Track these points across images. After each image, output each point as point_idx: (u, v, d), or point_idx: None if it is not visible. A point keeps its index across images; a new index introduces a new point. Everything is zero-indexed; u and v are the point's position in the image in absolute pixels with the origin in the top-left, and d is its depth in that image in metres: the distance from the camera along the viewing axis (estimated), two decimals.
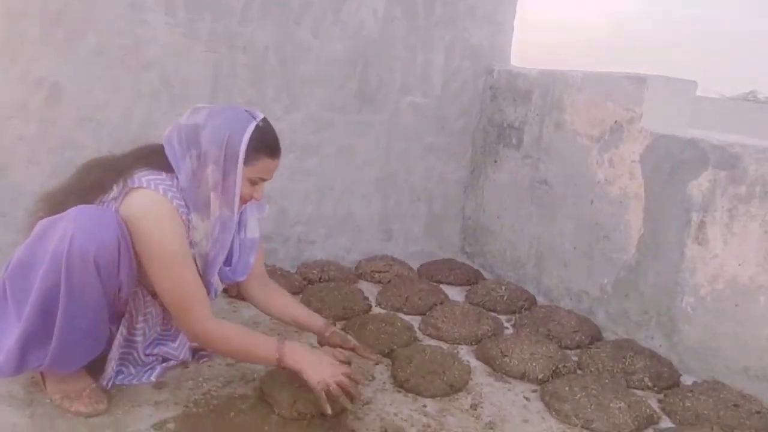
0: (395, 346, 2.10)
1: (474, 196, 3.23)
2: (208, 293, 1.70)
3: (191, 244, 1.61)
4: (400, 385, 1.89)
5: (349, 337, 1.89)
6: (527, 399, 1.91)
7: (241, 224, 1.76)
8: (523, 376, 2.01)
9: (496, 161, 3.08)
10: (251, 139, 1.56)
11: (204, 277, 1.68)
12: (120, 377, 1.67)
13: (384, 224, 3.09)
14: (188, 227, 1.59)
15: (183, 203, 1.56)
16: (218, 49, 2.51)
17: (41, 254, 1.38)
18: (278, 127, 2.64)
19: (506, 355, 2.08)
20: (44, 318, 1.39)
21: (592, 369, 2.06)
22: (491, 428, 1.73)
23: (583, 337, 2.32)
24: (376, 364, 1.92)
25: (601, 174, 2.49)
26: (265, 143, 1.60)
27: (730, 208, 2.02)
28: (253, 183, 1.62)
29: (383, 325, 2.21)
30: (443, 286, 2.79)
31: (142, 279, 1.59)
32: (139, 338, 1.68)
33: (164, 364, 1.76)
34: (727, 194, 2.03)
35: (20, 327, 1.40)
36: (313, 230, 2.91)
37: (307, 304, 2.38)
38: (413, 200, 3.14)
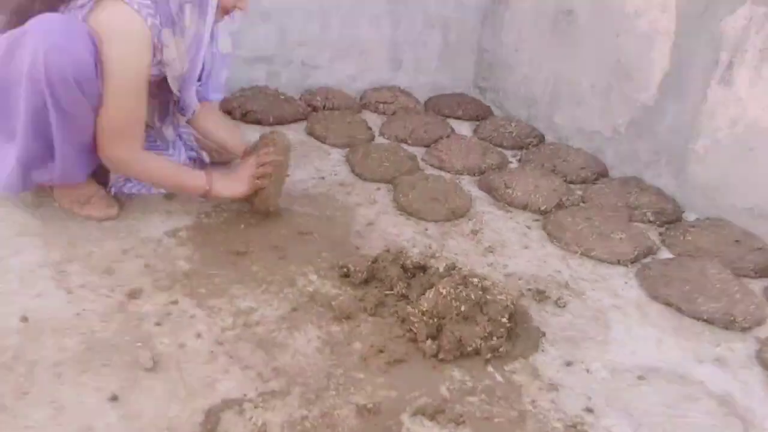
0: (398, 174, 2.11)
1: (492, 26, 3.02)
2: (186, 113, 1.67)
3: (162, 63, 1.49)
4: (402, 209, 1.93)
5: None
6: (528, 227, 1.94)
7: (213, 36, 1.63)
8: (525, 207, 2.03)
9: None
10: None
11: (181, 96, 1.60)
12: (128, 185, 1.68)
13: (393, 52, 2.92)
14: (159, 47, 1.46)
15: (157, 20, 1.41)
16: None
17: (15, 74, 1.31)
18: None
19: (509, 187, 2.08)
20: (38, 138, 1.37)
21: (596, 203, 2.08)
22: (491, 252, 1.77)
23: (589, 174, 2.31)
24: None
25: (631, 5, 2.30)
26: None
27: (762, 48, 1.89)
28: None
29: (386, 153, 2.21)
30: (451, 121, 2.73)
31: None
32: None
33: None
34: (761, 33, 1.89)
35: (17, 149, 1.37)
36: (318, 54, 2.76)
37: (311, 130, 2.39)
38: (427, 26, 2.94)
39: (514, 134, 2.59)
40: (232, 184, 1.63)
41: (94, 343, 1.18)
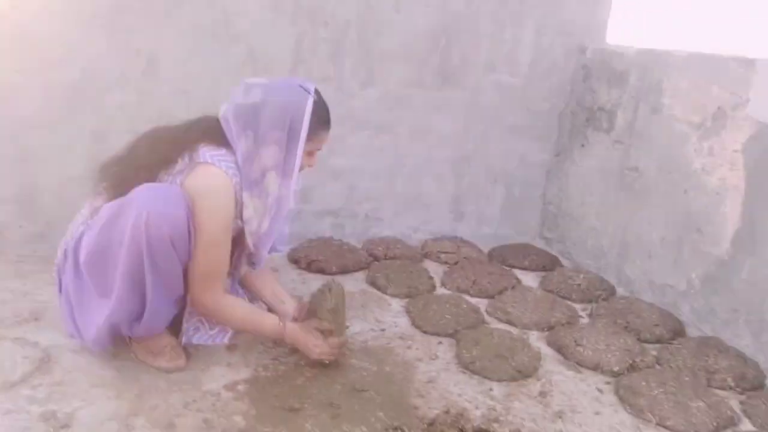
0: (460, 328, 2.07)
1: (557, 181, 3.10)
2: (257, 265, 1.84)
3: (242, 221, 1.66)
4: (465, 366, 1.87)
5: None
6: (600, 391, 1.83)
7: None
8: (596, 367, 1.93)
9: (583, 145, 2.94)
10: (312, 118, 1.61)
11: (256, 250, 1.75)
12: (196, 336, 1.76)
13: (456, 205, 3.04)
14: (240, 205, 1.64)
15: (239, 180, 1.61)
16: (301, 23, 2.53)
17: (117, 237, 1.46)
18: (353, 104, 2.72)
19: (580, 345, 2.00)
20: (132, 297, 1.51)
21: (672, 365, 1.94)
22: (560, 417, 1.67)
23: (664, 332, 2.18)
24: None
25: (699, 163, 2.31)
26: (322, 118, 1.67)
27: None
28: (310, 154, 1.70)
29: (447, 305, 2.18)
30: (516, 271, 2.71)
31: None
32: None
33: None
34: None
35: (110, 308, 1.50)
36: (382, 207, 2.90)
37: (372, 280, 2.43)
38: (490, 182, 3.06)
39: (583, 286, 2.53)
40: (306, 345, 1.70)
41: None
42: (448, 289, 2.47)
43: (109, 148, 2.29)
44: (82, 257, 1.51)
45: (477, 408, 1.66)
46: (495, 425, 1.54)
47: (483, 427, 1.49)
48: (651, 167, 2.54)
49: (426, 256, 2.82)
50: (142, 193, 1.48)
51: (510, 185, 3.10)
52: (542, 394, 1.77)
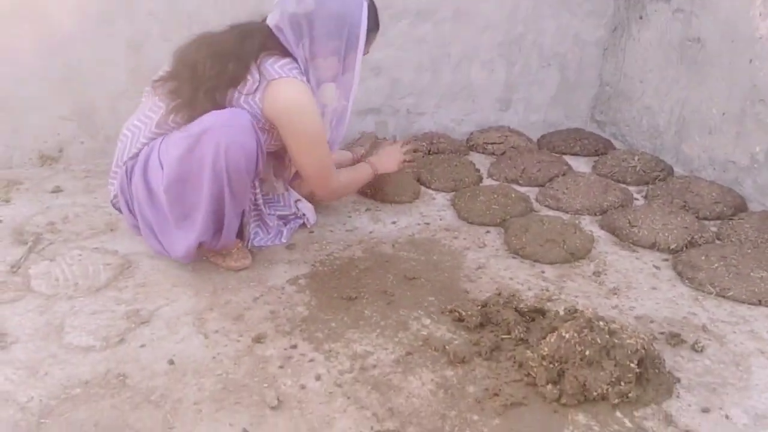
0: (508, 216, 2.07)
1: (614, 59, 2.94)
2: None
3: None
4: (515, 252, 1.88)
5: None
6: (657, 267, 1.83)
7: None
8: (653, 246, 1.91)
9: (641, 17, 2.74)
10: (367, 22, 1.60)
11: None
12: (257, 239, 1.85)
13: (505, 92, 2.93)
14: None
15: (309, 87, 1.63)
16: None
17: (196, 167, 1.51)
18: None
19: (635, 225, 1.98)
20: (214, 218, 1.59)
21: (733, 239, 1.90)
22: (615, 293, 1.69)
23: (724, 209, 2.13)
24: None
25: (765, 29, 2.13)
26: (375, 20, 1.64)
27: None
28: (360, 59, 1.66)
29: (495, 196, 2.16)
30: (567, 158, 2.66)
31: None
32: (260, 202, 1.83)
33: (288, 227, 1.93)
34: None
35: (197, 229, 1.59)
36: (424, 101, 2.83)
37: (416, 176, 2.39)
38: (542, 66, 2.92)
39: (638, 168, 2.46)
40: (386, 162, 2.04)
41: (228, 384, 1.29)
42: (496, 180, 2.45)
43: (146, 58, 2.35)
44: (163, 184, 1.55)
45: (530, 289, 1.70)
46: (549, 304, 1.57)
47: (537, 305, 1.52)
48: (713, 37, 2.37)
49: (472, 148, 2.78)
50: (218, 123, 1.50)
51: (564, 68, 2.96)
52: (596, 273, 1.79)
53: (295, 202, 1.98)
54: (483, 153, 2.73)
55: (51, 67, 2.26)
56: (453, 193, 2.29)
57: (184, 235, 1.62)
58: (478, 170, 2.47)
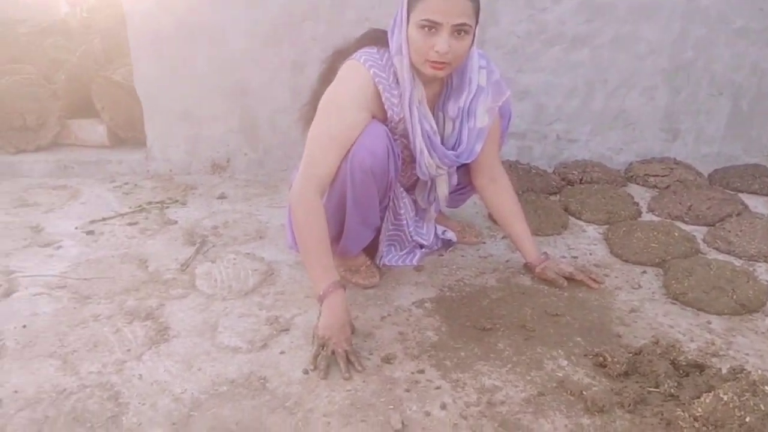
0: (669, 257, 1.90)
1: None
2: (422, 176, 1.67)
3: (391, 120, 1.57)
4: (675, 297, 1.72)
5: (562, 275, 1.77)
6: None
7: (470, 113, 1.62)
8: None
9: None
10: None
11: (421, 156, 1.61)
12: (388, 257, 1.87)
13: (669, 122, 2.71)
14: (387, 102, 1.52)
15: (384, 75, 1.50)
16: None
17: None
18: (544, 18, 2.52)
19: None
20: (335, 218, 1.62)
21: None
22: None
23: None
24: (599, 284, 1.78)
25: None
26: None
27: None
28: (426, 31, 1.40)
29: (655, 233, 2.00)
30: (743, 196, 2.38)
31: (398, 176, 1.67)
32: (404, 221, 1.81)
33: (423, 250, 1.90)
34: None
35: None
36: (576, 128, 2.70)
37: (565, 206, 2.28)
38: (712, 94, 2.66)
39: None
40: (324, 322, 1.45)
41: (356, 400, 1.32)
42: (657, 216, 2.26)
43: (307, 78, 2.50)
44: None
45: (692, 341, 1.53)
46: (713, 359, 1.41)
47: (699, 360, 1.37)
48: None
49: (630, 179, 2.60)
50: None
51: (737, 97, 2.67)
52: None
53: (442, 233, 1.96)
54: (643, 185, 2.55)
55: (224, 84, 2.52)
56: (606, 226, 2.15)
57: None
58: (636, 203, 2.30)
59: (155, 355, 1.45)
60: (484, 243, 2.04)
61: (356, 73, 1.49)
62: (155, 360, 1.43)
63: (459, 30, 1.40)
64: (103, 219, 2.17)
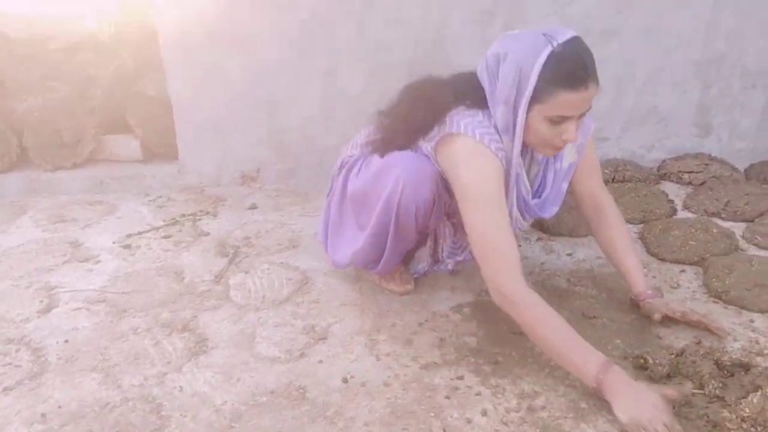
0: (708, 255, 1.86)
1: None
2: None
3: None
4: (716, 296, 1.69)
5: (683, 310, 1.56)
6: None
7: (557, 154, 1.57)
8: None
9: None
10: (543, 72, 1.33)
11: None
12: (420, 266, 1.84)
13: (702, 117, 2.65)
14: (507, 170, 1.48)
15: (501, 145, 1.44)
16: None
17: (377, 191, 1.57)
18: (569, 12, 2.49)
19: None
20: (375, 246, 1.64)
21: None
22: None
23: None
24: (723, 337, 1.52)
25: None
26: (561, 73, 1.33)
27: None
28: (554, 122, 1.37)
29: (692, 230, 1.97)
30: None
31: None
32: (440, 248, 1.79)
33: (455, 258, 1.82)
34: None
35: (359, 248, 1.66)
36: (606, 126, 2.65)
37: None
38: (746, 87, 2.60)
39: None
40: (628, 399, 1.22)
41: (396, 408, 1.32)
42: (693, 213, 2.22)
43: (339, 86, 2.52)
44: (349, 190, 1.67)
45: (735, 340, 1.50)
46: (758, 359, 1.38)
47: (743, 360, 1.34)
48: None
49: (663, 177, 2.55)
50: (404, 163, 1.52)
51: None
52: None
53: None
54: (677, 183, 2.50)
55: (255, 92, 2.53)
56: (641, 225, 2.12)
57: (348, 243, 1.69)
58: (671, 201, 2.27)
59: (195, 366, 1.47)
60: (520, 246, 2.02)
61: (490, 162, 1.42)
62: (195, 372, 1.45)
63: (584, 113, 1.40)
64: (139, 233, 2.21)
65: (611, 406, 1.24)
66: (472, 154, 1.42)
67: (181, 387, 1.40)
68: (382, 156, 1.58)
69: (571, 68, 1.33)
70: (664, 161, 2.64)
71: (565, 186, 1.62)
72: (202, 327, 1.63)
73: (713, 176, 2.44)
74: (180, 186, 2.65)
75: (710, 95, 2.61)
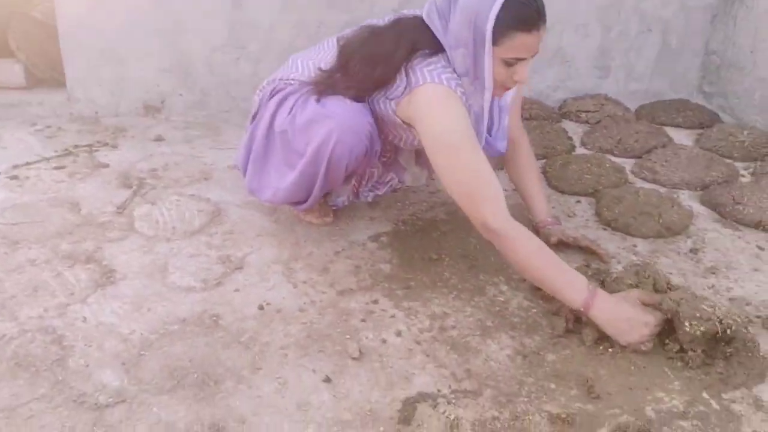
0: (601, 187, 2.00)
1: (723, 26, 2.71)
2: None
3: None
4: (606, 223, 1.82)
5: (576, 236, 1.68)
6: (761, 248, 1.71)
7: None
8: (758, 225, 1.79)
9: None
10: (499, 15, 1.33)
11: None
12: (340, 200, 1.85)
13: (602, 60, 2.79)
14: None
15: (462, 88, 1.45)
16: None
17: (308, 140, 1.51)
18: None
19: (739, 202, 1.85)
20: (300, 190, 1.60)
21: None
22: (713, 273, 1.60)
23: None
24: (606, 262, 1.64)
25: None
26: (518, 16, 1.34)
27: None
28: (509, 64, 1.40)
29: (588, 165, 2.09)
30: (668, 130, 2.51)
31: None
32: (362, 189, 1.82)
33: (376, 192, 1.87)
34: None
35: (283, 188, 1.61)
36: None
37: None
38: (642, 31, 2.75)
39: (746, 144, 2.29)
40: (618, 321, 1.31)
41: (312, 332, 1.34)
42: (589, 149, 2.36)
43: (248, 16, 2.40)
44: (278, 125, 1.59)
45: (619, 263, 1.64)
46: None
47: (626, 280, 1.47)
48: None
49: (564, 115, 2.68)
50: (341, 117, 1.47)
51: (666, 33, 2.76)
52: (693, 250, 1.69)
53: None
54: (576, 121, 2.62)
55: (156, 18, 2.36)
56: (543, 160, 2.23)
57: (272, 179, 1.64)
58: (570, 138, 2.39)
59: (101, 297, 1.42)
60: (433, 180, 2.06)
61: (460, 105, 1.42)
62: (101, 302, 1.40)
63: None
64: (27, 163, 2.04)
65: (601, 321, 1.31)
66: (443, 101, 1.42)
67: (84, 318, 1.35)
68: (318, 100, 1.52)
69: (525, 11, 1.35)
70: (565, 101, 2.76)
71: (506, 120, 1.65)
72: (108, 258, 1.56)
73: (608, 115, 2.58)
74: (71, 116, 2.45)
75: (610, 38, 2.74)
